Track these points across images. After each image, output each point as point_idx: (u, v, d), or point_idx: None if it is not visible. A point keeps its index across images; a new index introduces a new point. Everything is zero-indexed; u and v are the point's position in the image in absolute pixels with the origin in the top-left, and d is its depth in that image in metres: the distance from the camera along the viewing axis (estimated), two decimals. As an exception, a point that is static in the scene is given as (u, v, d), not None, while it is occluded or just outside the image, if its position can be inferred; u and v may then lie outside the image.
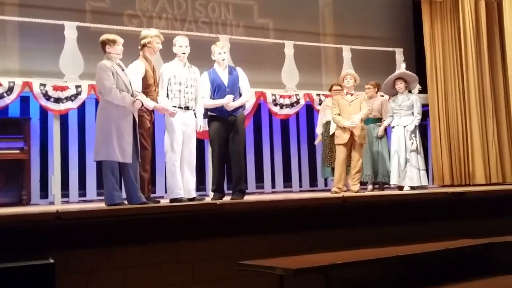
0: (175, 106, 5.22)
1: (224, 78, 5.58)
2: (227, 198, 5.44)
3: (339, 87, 7.11)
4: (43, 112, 6.90)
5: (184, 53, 5.36)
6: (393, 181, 6.85)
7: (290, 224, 4.46)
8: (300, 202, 4.80)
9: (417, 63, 8.99)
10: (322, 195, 6.36)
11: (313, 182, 8.80)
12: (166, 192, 6.63)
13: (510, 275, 3.92)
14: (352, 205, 4.84)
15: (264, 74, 7.95)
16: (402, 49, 8.80)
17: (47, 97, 6.53)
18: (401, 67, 7.52)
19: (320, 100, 8.04)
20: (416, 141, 6.79)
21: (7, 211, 4.21)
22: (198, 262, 4.11)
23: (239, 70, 5.74)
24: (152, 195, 5.70)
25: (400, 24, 9.52)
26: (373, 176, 7.06)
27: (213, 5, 8.36)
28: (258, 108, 8.01)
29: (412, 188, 6.67)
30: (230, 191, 5.63)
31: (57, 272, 3.24)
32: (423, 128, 7.94)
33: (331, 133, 7.06)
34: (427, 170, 7.22)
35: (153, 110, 5.24)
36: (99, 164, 5.23)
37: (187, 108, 5.31)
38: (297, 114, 8.34)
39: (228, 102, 5.47)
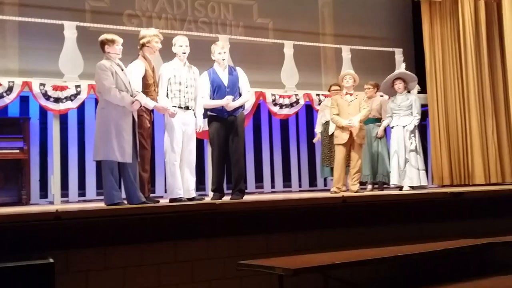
0: (175, 106, 5.21)
1: (224, 78, 5.57)
2: (226, 198, 5.43)
3: (338, 87, 7.11)
4: (43, 111, 6.90)
5: (184, 53, 5.35)
6: (393, 181, 6.86)
7: (290, 224, 4.46)
8: (300, 202, 4.80)
9: (417, 63, 8.99)
10: (321, 195, 6.36)
11: (312, 182, 8.81)
12: (165, 192, 6.64)
13: (510, 275, 3.91)
14: (351, 205, 4.83)
15: (263, 74, 7.94)
16: (401, 49, 8.80)
17: (46, 96, 6.52)
18: (400, 67, 7.52)
19: (319, 100, 8.04)
20: (415, 141, 6.80)
21: (6, 211, 4.21)
22: (198, 262, 4.12)
23: (239, 70, 5.72)
24: (152, 195, 5.69)
25: (400, 24, 9.53)
26: (372, 176, 7.07)
27: (212, 5, 8.36)
28: (257, 108, 8.01)
29: (412, 188, 6.68)
30: (230, 191, 5.63)
31: (56, 271, 3.25)
32: (422, 128, 7.93)
33: (330, 133, 7.06)
34: (426, 170, 7.23)
35: (152, 110, 5.23)
36: (99, 164, 5.23)
37: (187, 108, 5.30)
38: (296, 114, 8.33)
39: (228, 103, 5.46)
